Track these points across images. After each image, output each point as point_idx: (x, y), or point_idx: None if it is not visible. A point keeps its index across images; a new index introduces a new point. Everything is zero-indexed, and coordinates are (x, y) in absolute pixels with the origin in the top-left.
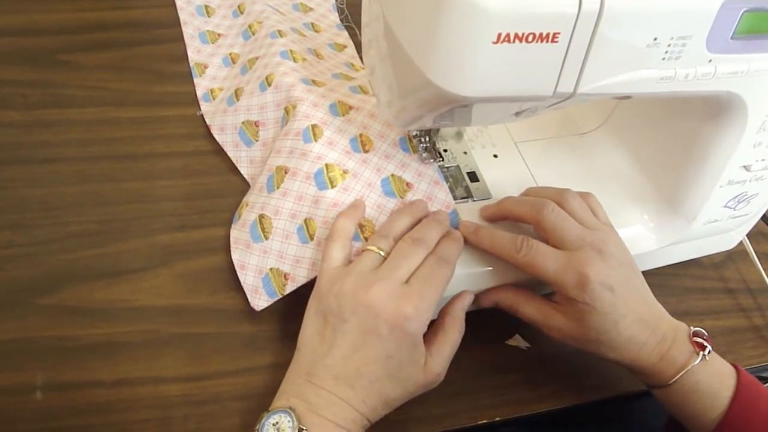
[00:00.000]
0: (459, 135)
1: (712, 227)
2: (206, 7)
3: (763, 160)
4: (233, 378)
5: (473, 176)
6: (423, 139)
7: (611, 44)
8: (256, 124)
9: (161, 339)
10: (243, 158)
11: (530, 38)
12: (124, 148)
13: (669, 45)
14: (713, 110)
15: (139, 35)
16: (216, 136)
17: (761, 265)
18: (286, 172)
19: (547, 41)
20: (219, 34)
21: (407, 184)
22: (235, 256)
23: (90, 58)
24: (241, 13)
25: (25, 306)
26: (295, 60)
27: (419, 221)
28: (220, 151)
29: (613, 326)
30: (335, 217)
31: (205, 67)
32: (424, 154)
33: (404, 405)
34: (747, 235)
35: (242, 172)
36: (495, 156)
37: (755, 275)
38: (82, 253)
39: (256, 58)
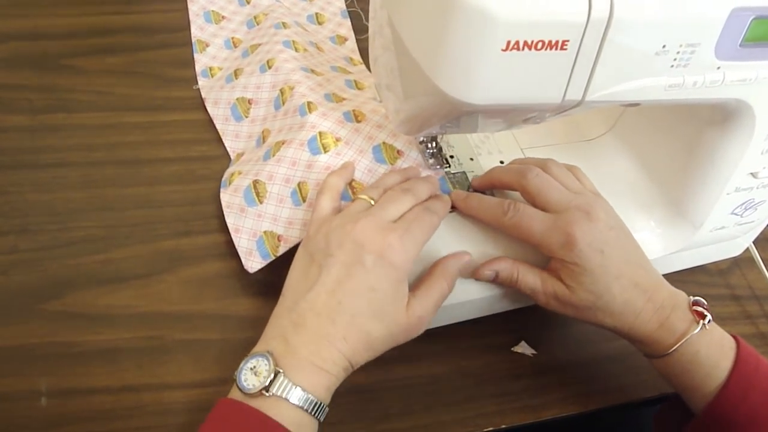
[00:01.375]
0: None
1: (719, 234)
2: None
3: None
4: None
5: None
6: (429, 145)
7: (620, 52)
8: (250, 101)
9: (165, 345)
10: (229, 131)
11: (539, 46)
12: (129, 153)
13: (678, 52)
14: (721, 117)
15: (143, 40)
16: (209, 109)
17: None
18: (282, 144)
19: (556, 49)
20: (223, 17)
21: (398, 151)
22: (230, 220)
23: (95, 62)
24: (248, 2)
25: (29, 312)
26: (297, 50)
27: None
28: (225, 156)
29: (607, 289)
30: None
31: (207, 45)
32: (431, 161)
33: (410, 412)
34: (753, 242)
35: (225, 144)
36: (501, 162)
37: (762, 282)
38: (87, 259)
39: (259, 45)
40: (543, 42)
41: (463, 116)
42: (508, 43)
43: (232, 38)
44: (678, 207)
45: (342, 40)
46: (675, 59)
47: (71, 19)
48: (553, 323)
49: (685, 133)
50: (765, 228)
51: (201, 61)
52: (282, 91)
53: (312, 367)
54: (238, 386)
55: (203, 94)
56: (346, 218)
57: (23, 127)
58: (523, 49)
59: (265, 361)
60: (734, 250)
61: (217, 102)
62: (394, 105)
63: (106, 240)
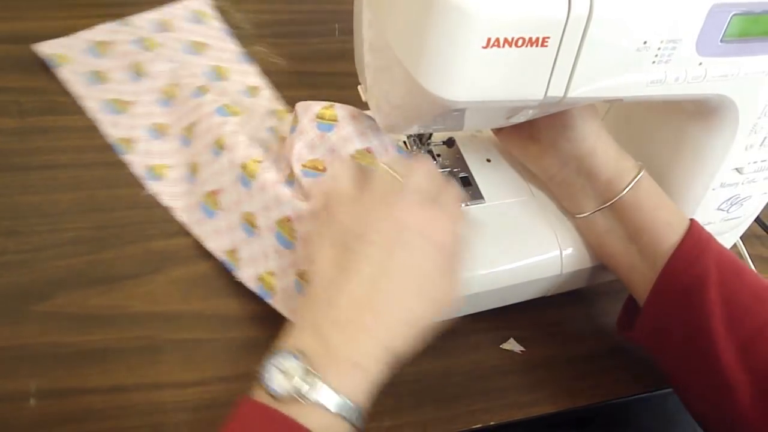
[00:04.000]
0: (451, 142)
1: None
2: (96, 73)
3: (755, 162)
4: (227, 384)
5: (466, 181)
6: (416, 141)
7: (601, 48)
8: (215, 192)
9: (156, 345)
10: (209, 232)
11: (520, 43)
12: (117, 154)
13: (659, 48)
14: (704, 113)
15: None
16: (184, 217)
17: (755, 267)
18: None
19: (536, 45)
20: (127, 102)
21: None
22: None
23: None
24: (140, 75)
25: (19, 312)
26: (234, 114)
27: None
28: None
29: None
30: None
31: (131, 141)
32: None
33: (399, 410)
34: (741, 238)
35: (208, 246)
36: (488, 160)
37: None
38: (77, 260)
39: (192, 125)
40: (523, 39)
41: (447, 114)
42: (489, 40)
43: (154, 124)
44: None
45: (255, 90)
46: (656, 55)
47: (60, 22)
48: (541, 321)
49: (670, 130)
50: (753, 224)
51: (136, 162)
52: (244, 166)
53: (352, 369)
54: (265, 388)
55: (166, 202)
56: (375, 196)
57: (12, 130)
58: (503, 46)
59: (297, 362)
60: None
61: (189, 207)
62: (379, 99)
63: (95, 241)
